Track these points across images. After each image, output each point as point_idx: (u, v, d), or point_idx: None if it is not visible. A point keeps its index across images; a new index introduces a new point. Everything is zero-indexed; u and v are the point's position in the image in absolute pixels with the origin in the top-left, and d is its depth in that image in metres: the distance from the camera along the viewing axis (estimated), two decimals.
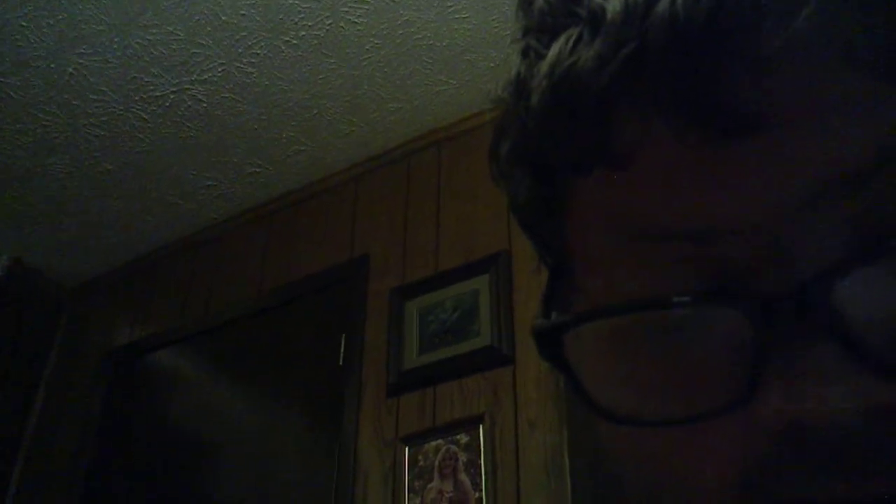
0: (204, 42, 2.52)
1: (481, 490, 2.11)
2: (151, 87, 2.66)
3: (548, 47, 0.32)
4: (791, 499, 0.27)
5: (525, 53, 0.33)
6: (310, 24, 2.46)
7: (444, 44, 2.51)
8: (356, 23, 2.45)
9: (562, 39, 0.31)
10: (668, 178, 0.29)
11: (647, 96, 0.29)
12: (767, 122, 0.27)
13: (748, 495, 0.28)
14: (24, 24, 2.46)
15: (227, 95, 2.68)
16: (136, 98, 2.70)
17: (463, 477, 2.16)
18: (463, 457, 2.19)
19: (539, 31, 0.33)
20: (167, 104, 2.72)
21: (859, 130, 0.27)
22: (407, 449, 2.29)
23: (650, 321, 0.30)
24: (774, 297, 0.27)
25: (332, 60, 2.56)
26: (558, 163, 0.32)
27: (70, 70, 2.60)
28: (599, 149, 0.30)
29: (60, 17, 2.44)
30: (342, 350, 2.60)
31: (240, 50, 2.54)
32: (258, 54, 2.55)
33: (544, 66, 0.31)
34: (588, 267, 0.33)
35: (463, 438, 2.21)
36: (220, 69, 2.60)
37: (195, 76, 2.62)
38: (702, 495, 0.29)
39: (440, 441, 2.24)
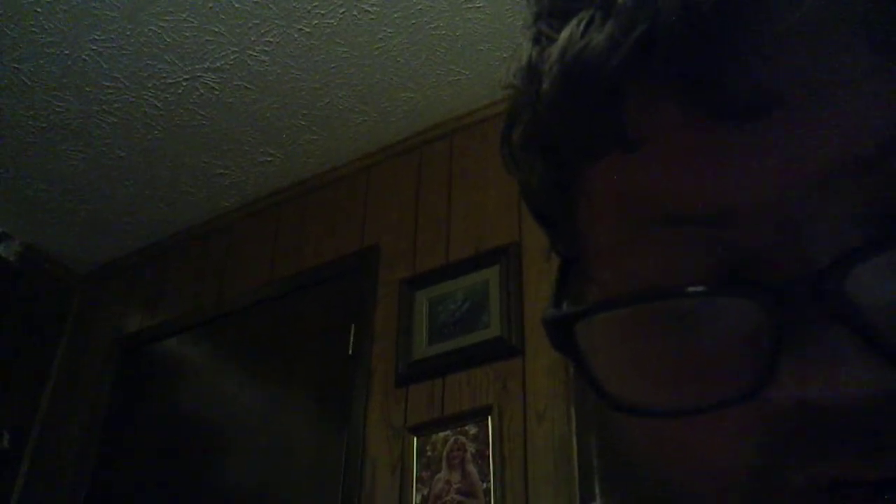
0: (217, 30, 2.52)
1: (489, 481, 2.12)
2: (164, 75, 2.67)
3: (559, 32, 0.31)
4: (799, 482, 0.27)
5: (536, 39, 0.33)
6: (323, 12, 2.45)
7: (458, 34, 2.50)
8: (369, 11, 2.45)
9: (573, 23, 0.31)
10: (680, 161, 0.29)
11: (659, 78, 0.28)
12: (780, 102, 0.27)
13: (759, 480, 0.28)
14: (38, 10, 2.47)
15: (239, 83, 2.68)
16: (149, 85, 2.70)
17: (471, 468, 2.16)
18: (471, 448, 2.19)
19: (550, 16, 0.33)
20: (180, 91, 2.72)
21: (874, 110, 0.27)
22: (415, 439, 2.29)
23: (662, 310, 0.29)
24: (789, 285, 0.26)
25: (345, 49, 2.56)
26: (571, 147, 0.32)
27: (83, 57, 2.60)
28: (612, 132, 0.30)
29: (74, 3, 2.44)
30: (352, 340, 2.60)
31: (253, 38, 2.54)
32: (271, 42, 2.55)
33: (556, 50, 0.31)
34: (599, 255, 0.33)
35: (471, 429, 2.21)
36: (232, 57, 2.60)
37: (208, 64, 2.62)
38: (713, 482, 0.29)
39: (448, 432, 2.24)
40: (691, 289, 0.28)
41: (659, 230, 0.29)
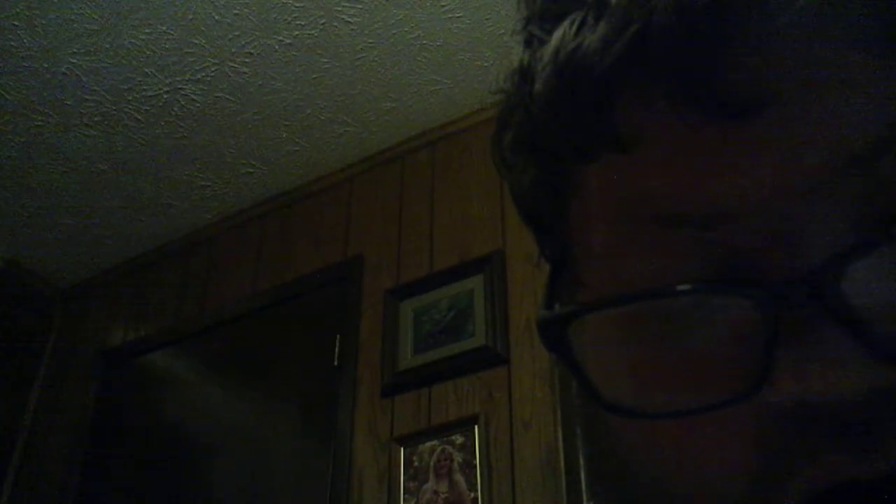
0: (197, 42, 2.51)
1: (476, 490, 2.11)
2: (145, 87, 2.66)
3: (551, 34, 0.31)
4: (796, 483, 0.27)
5: (528, 42, 0.33)
6: (303, 23, 2.45)
7: (438, 43, 2.51)
8: (350, 22, 2.45)
9: (565, 24, 0.31)
10: (673, 161, 0.29)
11: (652, 77, 0.28)
12: (773, 101, 0.27)
13: (758, 482, 0.27)
14: (16, 23, 2.45)
15: (220, 95, 2.68)
16: (130, 98, 2.69)
17: (458, 477, 2.16)
18: (458, 457, 2.18)
19: (542, 18, 0.33)
20: (160, 104, 2.71)
21: (867, 109, 0.27)
22: (402, 449, 2.28)
23: (655, 310, 0.29)
24: (784, 283, 0.26)
25: (326, 60, 2.56)
26: (564, 148, 0.32)
27: (63, 70, 2.59)
28: (605, 132, 0.30)
29: (53, 16, 2.43)
30: (337, 350, 2.60)
31: (233, 49, 2.53)
32: (252, 54, 2.54)
33: (548, 51, 0.31)
34: (591, 257, 0.32)
35: (458, 439, 2.21)
36: (213, 69, 2.59)
37: (189, 76, 2.62)
38: (711, 485, 0.29)
39: (435, 442, 2.24)
40: (685, 287, 0.28)
41: (652, 231, 0.29)
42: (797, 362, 0.26)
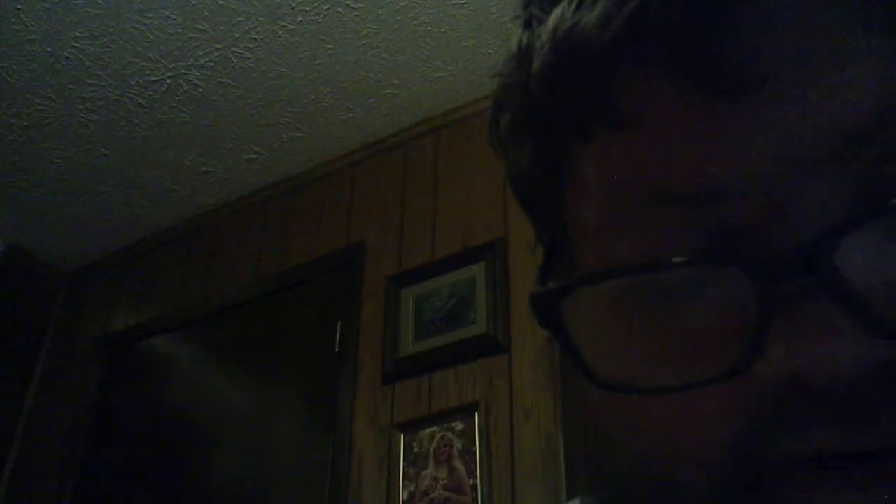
0: (201, 27, 2.51)
1: (476, 477, 2.12)
2: (148, 72, 2.65)
3: (550, 13, 0.31)
4: (782, 454, 0.27)
5: (527, 23, 0.33)
6: (307, 9, 2.45)
7: (443, 30, 2.50)
8: (354, 8, 2.44)
9: (563, 3, 0.31)
10: (670, 138, 0.29)
11: (650, 55, 0.28)
12: (771, 78, 0.27)
13: (738, 454, 0.27)
14: (18, 6, 2.45)
15: (223, 81, 2.67)
16: (133, 83, 2.69)
17: (458, 464, 2.16)
18: (458, 444, 2.19)
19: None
20: (163, 89, 2.71)
21: (863, 87, 0.27)
22: (402, 436, 2.29)
23: (648, 285, 0.29)
24: (777, 256, 0.26)
25: (330, 46, 2.56)
26: (561, 126, 0.32)
27: (66, 54, 2.59)
28: (603, 110, 0.30)
29: (56, 0, 2.43)
30: (338, 337, 2.60)
31: (237, 35, 2.53)
32: (255, 39, 2.54)
33: (546, 30, 0.31)
34: (586, 236, 0.32)
35: (458, 426, 2.21)
36: (216, 54, 2.59)
37: (192, 61, 2.61)
38: (690, 457, 0.28)
39: (435, 428, 2.25)
40: (677, 259, 0.28)
41: (647, 210, 0.29)
42: (790, 336, 0.26)
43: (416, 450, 2.25)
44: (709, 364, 0.27)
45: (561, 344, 0.30)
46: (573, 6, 0.30)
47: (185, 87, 2.70)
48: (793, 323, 0.26)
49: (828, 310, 0.25)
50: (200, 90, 2.71)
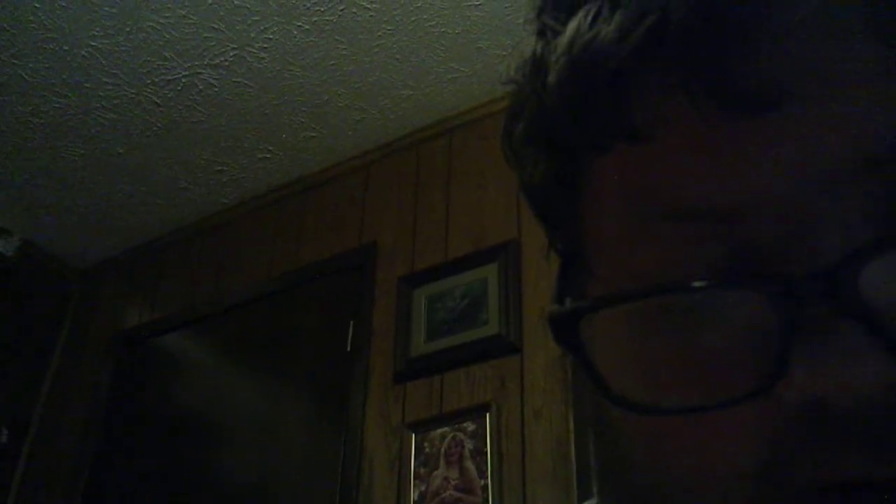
0: (216, 26, 2.52)
1: (487, 478, 2.12)
2: (163, 71, 2.66)
3: (565, 24, 0.31)
4: (807, 482, 0.26)
5: (541, 32, 0.33)
6: (322, 9, 2.45)
7: (457, 31, 2.50)
8: (369, 9, 2.45)
9: (580, 15, 0.30)
10: (688, 154, 0.28)
11: (668, 69, 0.28)
12: (791, 96, 0.27)
13: (764, 483, 0.27)
14: (37, 5, 2.46)
15: (238, 80, 2.68)
16: (148, 82, 2.70)
17: (469, 464, 2.16)
18: (469, 444, 2.19)
19: (555, 8, 0.32)
20: (179, 88, 2.72)
21: (886, 104, 0.26)
22: (413, 436, 2.29)
23: (668, 305, 0.29)
24: (801, 279, 0.26)
25: (344, 46, 2.56)
26: (577, 140, 0.31)
27: (82, 53, 2.60)
28: (620, 124, 0.29)
29: None
30: (350, 336, 2.61)
31: (252, 35, 2.54)
32: (270, 39, 2.55)
33: (562, 43, 0.31)
34: (603, 250, 0.32)
35: (469, 426, 2.21)
36: (232, 54, 2.60)
37: (207, 60, 2.62)
38: (715, 485, 0.28)
39: (446, 429, 2.25)
40: (700, 284, 0.28)
41: (665, 225, 0.29)
42: (813, 359, 0.25)
43: (427, 450, 2.25)
44: (731, 385, 0.27)
45: (578, 362, 0.30)
46: (590, 18, 0.30)
47: (201, 87, 2.71)
48: (816, 346, 0.25)
49: (851, 333, 0.25)
50: (215, 89, 2.72)
